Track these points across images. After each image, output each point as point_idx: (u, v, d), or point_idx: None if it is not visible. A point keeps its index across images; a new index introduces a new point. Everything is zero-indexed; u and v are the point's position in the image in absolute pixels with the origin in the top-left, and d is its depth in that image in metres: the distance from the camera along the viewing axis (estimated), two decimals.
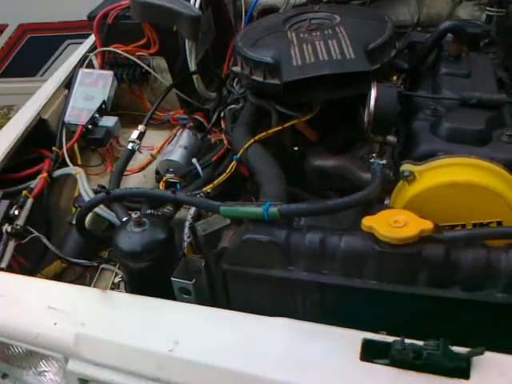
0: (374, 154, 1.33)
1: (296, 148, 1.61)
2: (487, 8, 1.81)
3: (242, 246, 1.12)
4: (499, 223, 1.16)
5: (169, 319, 1.13)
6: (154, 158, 1.75)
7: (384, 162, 1.29)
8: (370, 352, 0.98)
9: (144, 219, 1.22)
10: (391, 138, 1.42)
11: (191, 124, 1.84)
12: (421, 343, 0.93)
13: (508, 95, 1.37)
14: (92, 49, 1.99)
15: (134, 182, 1.78)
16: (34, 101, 1.85)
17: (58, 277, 1.58)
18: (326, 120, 1.57)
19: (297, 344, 1.03)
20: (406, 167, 1.21)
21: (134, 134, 1.64)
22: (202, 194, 1.48)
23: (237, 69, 1.61)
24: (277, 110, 1.53)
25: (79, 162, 1.77)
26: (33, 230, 1.50)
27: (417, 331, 0.95)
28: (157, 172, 1.75)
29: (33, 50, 3.65)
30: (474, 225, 1.18)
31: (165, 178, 1.54)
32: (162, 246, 1.22)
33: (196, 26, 1.80)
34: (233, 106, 1.74)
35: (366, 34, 1.49)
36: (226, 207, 1.18)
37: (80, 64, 1.96)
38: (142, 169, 1.73)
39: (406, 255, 1.01)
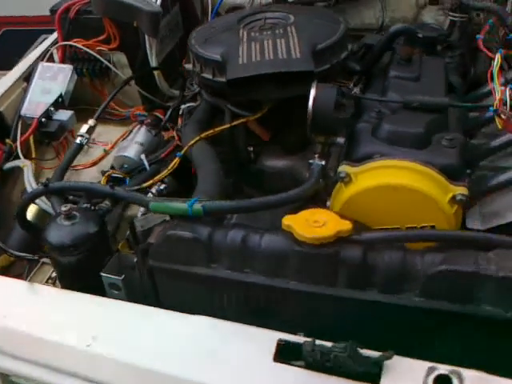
0: (316, 155, 1.32)
1: (251, 148, 1.60)
2: (450, 13, 1.80)
3: (166, 241, 1.11)
4: (433, 227, 1.16)
5: (90, 314, 1.12)
6: (107, 153, 1.73)
7: (323, 162, 1.28)
8: (287, 353, 0.97)
9: (74, 212, 1.21)
10: (341, 140, 1.41)
11: (149, 121, 1.83)
12: (330, 345, 0.91)
13: (453, 99, 1.37)
14: (54, 43, 1.98)
15: (88, 177, 1.76)
16: None
17: (6, 270, 1.56)
18: (278, 119, 1.56)
19: (213, 343, 1.02)
20: (343, 168, 1.20)
21: (84, 128, 1.62)
22: (153, 192, 1.48)
23: (189, 66, 1.60)
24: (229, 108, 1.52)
25: (33, 155, 1.76)
26: None
27: (338, 334, 0.94)
28: (112, 167, 1.73)
29: (8, 44, 3.62)
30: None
31: (108, 173, 1.52)
32: (93, 240, 1.21)
33: (156, 21, 1.78)
34: (191, 103, 1.73)
35: (317, 34, 1.47)
36: (155, 202, 1.17)
37: (41, 58, 1.95)
38: (94, 164, 1.72)
39: (323, 256, 0.99)
